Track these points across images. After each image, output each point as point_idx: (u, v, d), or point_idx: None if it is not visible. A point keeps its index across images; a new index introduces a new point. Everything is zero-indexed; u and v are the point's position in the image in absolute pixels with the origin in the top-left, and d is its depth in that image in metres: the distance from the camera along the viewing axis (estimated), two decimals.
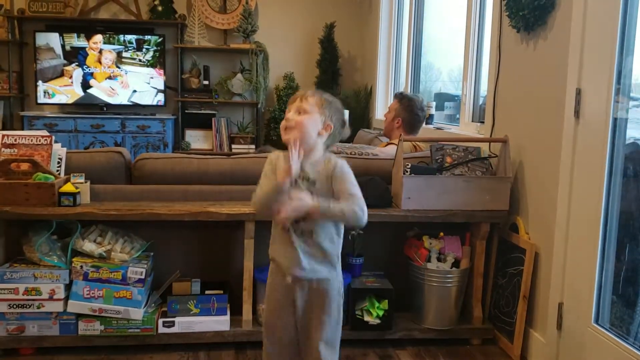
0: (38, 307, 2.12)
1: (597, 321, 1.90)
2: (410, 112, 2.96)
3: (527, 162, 2.32)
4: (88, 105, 5.01)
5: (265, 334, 1.68)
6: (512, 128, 2.41)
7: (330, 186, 1.54)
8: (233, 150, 5.13)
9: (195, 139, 5.21)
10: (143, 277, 2.14)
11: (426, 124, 3.42)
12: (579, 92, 1.97)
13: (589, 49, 1.93)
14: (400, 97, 3.01)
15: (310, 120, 1.54)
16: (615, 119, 1.84)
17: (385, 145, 2.93)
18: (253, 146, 5.17)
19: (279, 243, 1.60)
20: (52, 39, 4.89)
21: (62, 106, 5.02)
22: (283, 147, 1.56)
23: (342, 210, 1.50)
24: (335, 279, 1.61)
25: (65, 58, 4.92)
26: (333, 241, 1.59)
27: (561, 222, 2.05)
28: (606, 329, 1.85)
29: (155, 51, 5.00)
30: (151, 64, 5.00)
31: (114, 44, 4.97)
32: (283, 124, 1.56)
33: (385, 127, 3.05)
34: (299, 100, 1.56)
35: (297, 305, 1.60)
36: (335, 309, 1.61)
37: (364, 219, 1.54)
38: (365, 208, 1.54)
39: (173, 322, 2.20)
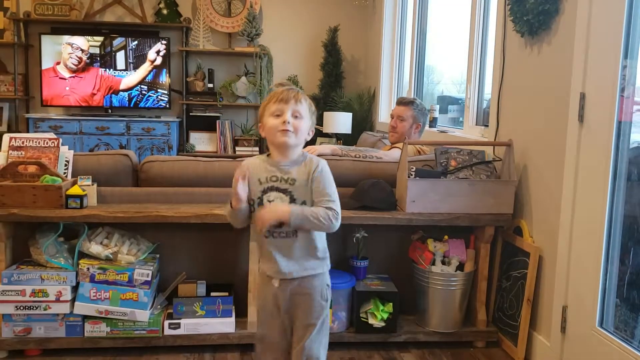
0: (45, 309, 2.13)
1: (601, 324, 1.91)
2: (425, 115, 3.01)
3: (531, 166, 2.33)
4: (93, 108, 5.04)
5: (257, 340, 1.70)
6: (517, 132, 2.42)
7: (310, 186, 1.55)
8: (237, 153, 5.15)
9: (200, 141, 5.23)
10: (149, 279, 2.16)
11: (430, 127, 3.44)
12: (583, 97, 1.98)
13: (593, 53, 1.94)
14: (409, 102, 2.99)
15: (306, 126, 1.56)
16: (619, 123, 1.85)
17: (390, 149, 2.94)
18: (257, 148, 5.19)
19: (263, 250, 1.62)
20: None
21: (67, 108, 5.05)
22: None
23: (315, 214, 1.52)
24: (322, 279, 1.62)
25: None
26: (321, 234, 1.61)
27: (565, 226, 2.06)
28: (610, 333, 1.86)
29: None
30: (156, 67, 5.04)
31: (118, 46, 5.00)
32: (280, 126, 1.53)
33: (399, 136, 2.96)
34: (293, 102, 1.54)
35: (281, 310, 1.61)
36: (318, 312, 1.61)
37: (337, 224, 1.55)
38: (339, 212, 1.55)
39: (179, 324, 2.22)
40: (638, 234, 1.82)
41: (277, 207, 1.53)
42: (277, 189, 1.56)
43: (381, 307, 2.29)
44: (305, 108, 1.56)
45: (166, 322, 2.21)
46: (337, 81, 5.27)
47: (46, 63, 4.91)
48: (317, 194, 1.55)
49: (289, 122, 1.52)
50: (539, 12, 2.17)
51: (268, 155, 1.62)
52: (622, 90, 1.83)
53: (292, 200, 1.55)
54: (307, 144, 1.75)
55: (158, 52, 5.03)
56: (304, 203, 1.55)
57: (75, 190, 2.15)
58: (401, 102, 3.03)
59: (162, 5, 5.10)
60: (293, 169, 1.56)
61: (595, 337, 1.90)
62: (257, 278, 1.69)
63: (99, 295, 2.14)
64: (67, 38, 4.91)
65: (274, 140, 1.56)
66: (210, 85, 5.19)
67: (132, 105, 5.06)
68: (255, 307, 2.26)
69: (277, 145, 1.56)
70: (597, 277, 1.90)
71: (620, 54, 1.82)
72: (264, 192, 1.57)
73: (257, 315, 1.69)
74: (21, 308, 2.12)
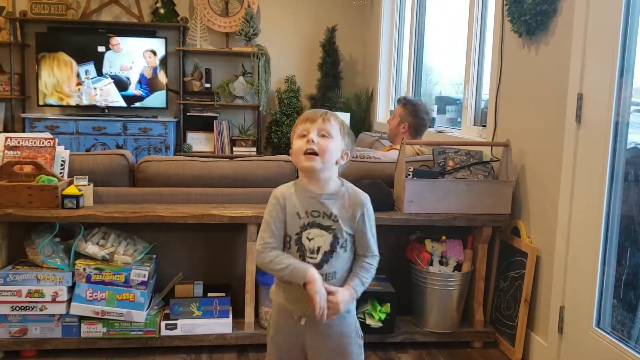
0: (41, 310, 2.12)
1: (598, 325, 1.91)
2: (415, 116, 2.96)
3: (528, 166, 2.33)
4: (89, 107, 5.03)
5: None
6: (514, 132, 2.42)
7: (353, 224, 1.41)
8: (234, 153, 5.14)
9: (197, 141, 5.22)
10: (146, 279, 2.15)
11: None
12: (580, 97, 1.98)
13: (591, 53, 1.94)
14: (404, 102, 3.02)
15: (335, 146, 1.38)
16: (616, 124, 1.85)
17: (388, 149, 2.94)
18: (254, 149, 5.19)
19: (289, 290, 1.43)
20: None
21: (63, 108, 5.03)
22: (294, 174, 1.47)
23: (369, 279, 1.42)
24: (352, 316, 1.49)
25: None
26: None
27: (562, 226, 2.06)
28: (607, 333, 1.86)
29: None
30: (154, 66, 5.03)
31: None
32: (305, 147, 1.36)
33: (391, 132, 3.04)
34: (320, 120, 1.38)
35: (307, 349, 1.46)
36: (355, 352, 1.48)
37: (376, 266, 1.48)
38: (377, 253, 1.46)
39: (175, 324, 2.21)
40: (635, 234, 1.82)
41: (344, 296, 1.37)
42: (320, 226, 1.39)
43: (379, 308, 2.29)
44: (336, 128, 1.39)
45: (163, 323, 2.20)
46: (335, 81, 5.26)
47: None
48: (362, 238, 1.42)
49: (313, 141, 1.35)
50: (536, 13, 2.18)
51: (296, 183, 1.45)
52: (620, 90, 1.83)
53: (335, 239, 1.40)
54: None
55: (155, 52, 5.02)
56: (344, 241, 1.41)
57: (71, 190, 2.14)
58: (398, 100, 3.12)
59: (159, 5, 5.09)
60: (335, 203, 1.40)
61: (592, 338, 1.90)
62: (273, 308, 1.52)
63: (95, 295, 2.13)
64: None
65: (299, 165, 1.40)
66: (208, 85, 5.18)
67: (129, 105, 5.04)
68: (251, 308, 2.27)
69: (302, 170, 1.40)
70: (594, 278, 1.90)
71: (618, 55, 1.82)
72: (304, 228, 1.40)
73: (269, 351, 1.52)
74: (17, 309, 2.11)
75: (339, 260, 1.42)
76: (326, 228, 1.40)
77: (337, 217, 1.40)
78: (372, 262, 1.45)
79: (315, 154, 1.36)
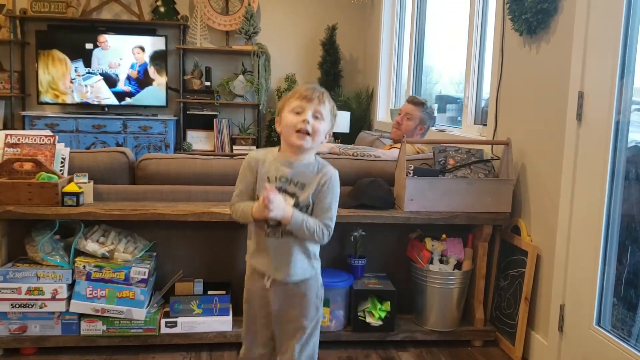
0: (40, 307, 2.12)
1: (598, 323, 1.91)
2: (432, 119, 3.02)
3: (529, 165, 2.33)
4: (89, 106, 5.02)
5: (244, 336, 1.70)
6: (515, 131, 2.42)
7: (315, 192, 1.52)
8: (234, 152, 5.14)
9: (197, 139, 5.22)
10: (146, 277, 2.15)
11: None
12: (581, 96, 1.97)
13: (592, 52, 1.94)
14: (420, 104, 2.97)
15: (324, 128, 1.50)
16: (617, 122, 1.85)
17: (389, 148, 2.93)
18: (254, 147, 5.19)
19: (256, 246, 1.58)
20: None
21: (63, 106, 5.03)
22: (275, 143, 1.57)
23: (312, 229, 1.50)
24: (315, 280, 1.60)
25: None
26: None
27: (563, 225, 2.06)
28: (608, 331, 1.86)
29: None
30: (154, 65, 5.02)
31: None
32: (299, 125, 1.46)
33: (405, 132, 2.92)
34: (317, 101, 1.48)
35: (272, 308, 1.59)
36: (313, 312, 1.59)
37: (327, 240, 1.54)
38: (332, 227, 1.54)
39: (175, 322, 2.21)
40: (636, 232, 1.82)
41: (285, 207, 1.47)
42: (285, 191, 1.51)
43: (379, 306, 2.29)
44: (327, 110, 1.50)
45: (163, 321, 2.20)
46: (335, 80, 5.26)
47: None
48: (320, 206, 1.52)
49: (308, 122, 1.46)
50: (537, 11, 2.17)
51: (279, 150, 1.56)
52: (621, 89, 1.83)
53: (297, 204, 1.51)
54: None
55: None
56: (306, 207, 1.52)
57: (71, 187, 2.14)
58: (412, 101, 3.02)
59: (159, 3, 5.08)
60: (304, 173, 1.52)
61: (592, 336, 1.90)
62: (246, 273, 1.66)
63: (95, 293, 2.13)
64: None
65: (288, 139, 1.49)
66: (208, 83, 5.18)
67: (120, 101, 5.02)
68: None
69: (291, 145, 1.50)
70: (594, 276, 1.90)
71: (619, 53, 1.82)
72: None
73: (244, 308, 1.67)
74: (17, 306, 2.11)
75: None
76: (291, 195, 1.51)
77: (303, 184, 1.51)
78: (324, 224, 1.52)
79: (308, 134, 1.47)
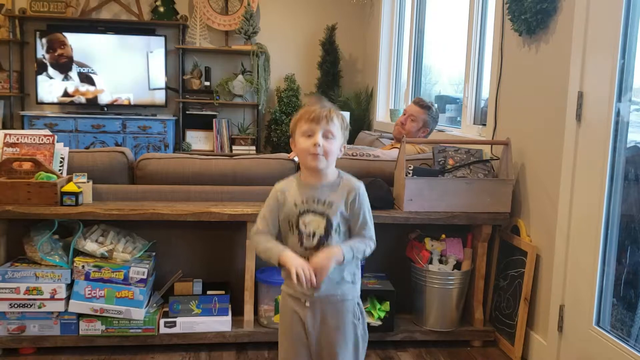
0: (39, 307, 2.11)
1: (598, 323, 1.91)
2: (436, 123, 3.00)
3: (528, 165, 2.33)
4: (89, 105, 5.02)
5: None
6: (514, 131, 2.42)
7: (346, 208, 1.50)
8: (234, 152, 5.14)
9: (196, 139, 5.22)
10: (145, 277, 2.14)
11: None
12: (580, 96, 1.97)
13: (591, 52, 1.94)
14: (426, 107, 2.94)
15: (337, 145, 1.50)
16: (616, 122, 1.85)
17: (391, 148, 2.93)
18: (253, 147, 5.18)
19: (289, 283, 1.51)
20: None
21: (62, 106, 5.02)
22: (293, 172, 1.55)
23: (362, 252, 1.50)
24: (351, 301, 1.55)
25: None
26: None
27: (562, 225, 2.06)
28: (607, 331, 1.86)
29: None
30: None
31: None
32: (311, 149, 1.46)
33: (407, 133, 2.92)
34: (325, 122, 1.47)
35: (308, 331, 1.54)
36: (350, 332, 1.55)
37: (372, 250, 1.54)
38: (374, 235, 1.54)
39: (174, 322, 2.20)
40: (635, 233, 1.82)
41: (330, 252, 1.45)
42: (314, 212, 1.50)
43: (378, 306, 2.29)
44: (337, 127, 1.49)
45: (162, 321, 2.20)
46: (335, 80, 5.26)
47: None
48: (356, 221, 1.51)
49: (319, 145, 1.46)
50: (536, 11, 2.17)
51: (300, 175, 1.56)
52: (620, 89, 1.83)
53: (328, 223, 1.49)
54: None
55: (154, 50, 5.00)
56: (338, 226, 1.50)
57: (70, 187, 2.14)
58: (418, 103, 2.99)
59: (158, 3, 5.08)
60: (330, 191, 1.51)
61: (592, 336, 1.90)
62: (281, 303, 1.61)
63: (94, 293, 2.13)
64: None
65: (305, 163, 1.51)
66: (207, 83, 5.17)
67: (128, 103, 5.03)
68: (251, 305, 2.27)
69: (308, 168, 1.52)
70: (594, 276, 1.90)
71: (618, 53, 1.82)
72: (300, 215, 1.51)
73: (279, 341, 1.61)
74: (15, 306, 2.11)
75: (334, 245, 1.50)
76: (320, 214, 1.50)
77: (331, 202, 1.50)
78: (368, 238, 1.52)
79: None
